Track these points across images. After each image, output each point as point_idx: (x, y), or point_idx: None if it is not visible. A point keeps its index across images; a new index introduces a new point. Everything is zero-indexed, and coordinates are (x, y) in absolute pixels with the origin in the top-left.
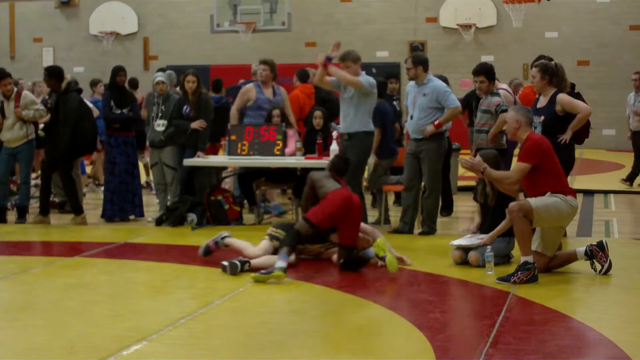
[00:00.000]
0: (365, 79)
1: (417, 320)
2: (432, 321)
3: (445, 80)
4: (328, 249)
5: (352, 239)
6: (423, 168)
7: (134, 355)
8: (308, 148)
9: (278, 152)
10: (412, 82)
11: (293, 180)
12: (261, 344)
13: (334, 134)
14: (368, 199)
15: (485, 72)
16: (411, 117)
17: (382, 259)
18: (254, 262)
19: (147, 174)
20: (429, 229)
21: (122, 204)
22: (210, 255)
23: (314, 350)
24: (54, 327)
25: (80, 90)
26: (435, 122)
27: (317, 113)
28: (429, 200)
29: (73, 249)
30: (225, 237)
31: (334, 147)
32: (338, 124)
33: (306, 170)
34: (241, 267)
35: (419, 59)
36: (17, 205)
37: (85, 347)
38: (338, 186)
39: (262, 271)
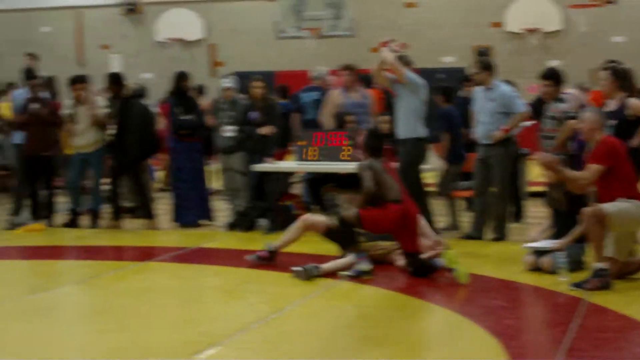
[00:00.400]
0: (412, 75)
1: (491, 326)
2: (506, 328)
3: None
4: (393, 252)
5: (414, 246)
6: (492, 174)
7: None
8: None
9: (347, 158)
10: (479, 88)
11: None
12: (333, 349)
13: None
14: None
15: (553, 76)
16: (479, 123)
17: (452, 270)
18: (324, 266)
19: (214, 181)
20: (500, 235)
21: (192, 210)
22: (278, 261)
23: (386, 356)
24: (128, 331)
25: (142, 96)
26: (504, 127)
27: (385, 118)
28: (499, 206)
29: (145, 254)
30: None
31: None
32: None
33: None
34: (312, 272)
35: (486, 64)
36: (90, 210)
37: (158, 352)
38: (396, 189)
39: (348, 273)
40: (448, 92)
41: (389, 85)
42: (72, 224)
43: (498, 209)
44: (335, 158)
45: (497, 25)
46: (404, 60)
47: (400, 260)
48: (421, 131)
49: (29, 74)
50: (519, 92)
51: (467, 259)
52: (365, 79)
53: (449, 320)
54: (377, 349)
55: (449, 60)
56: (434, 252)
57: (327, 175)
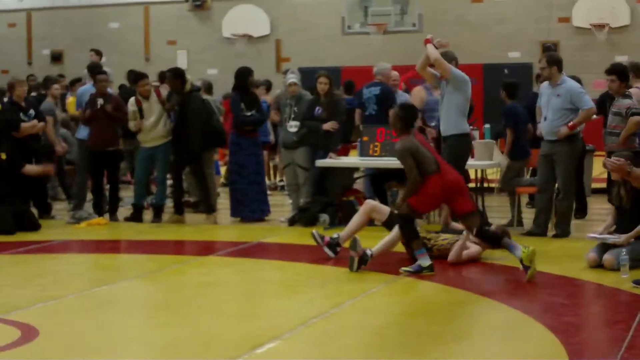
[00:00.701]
0: (457, 71)
1: (551, 323)
2: (566, 325)
3: (578, 81)
4: (454, 243)
5: (466, 206)
6: (557, 170)
7: (268, 353)
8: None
9: None
10: (545, 83)
11: None
12: (392, 345)
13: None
14: (499, 200)
15: (617, 72)
16: (545, 119)
17: (526, 268)
18: (375, 250)
19: (275, 176)
20: (563, 232)
21: (253, 205)
22: (340, 256)
23: (445, 352)
24: (189, 324)
25: (208, 92)
26: (570, 124)
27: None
28: (563, 202)
29: (207, 248)
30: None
31: None
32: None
33: None
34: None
35: (554, 59)
36: (153, 204)
37: (219, 345)
38: (432, 159)
39: (408, 269)
40: (512, 88)
41: (433, 81)
42: (134, 218)
43: (562, 206)
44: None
45: (565, 20)
46: (449, 56)
47: (472, 246)
48: (464, 127)
49: (94, 70)
50: (585, 88)
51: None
52: None
53: (508, 317)
54: (436, 345)
55: (515, 56)
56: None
57: (389, 171)
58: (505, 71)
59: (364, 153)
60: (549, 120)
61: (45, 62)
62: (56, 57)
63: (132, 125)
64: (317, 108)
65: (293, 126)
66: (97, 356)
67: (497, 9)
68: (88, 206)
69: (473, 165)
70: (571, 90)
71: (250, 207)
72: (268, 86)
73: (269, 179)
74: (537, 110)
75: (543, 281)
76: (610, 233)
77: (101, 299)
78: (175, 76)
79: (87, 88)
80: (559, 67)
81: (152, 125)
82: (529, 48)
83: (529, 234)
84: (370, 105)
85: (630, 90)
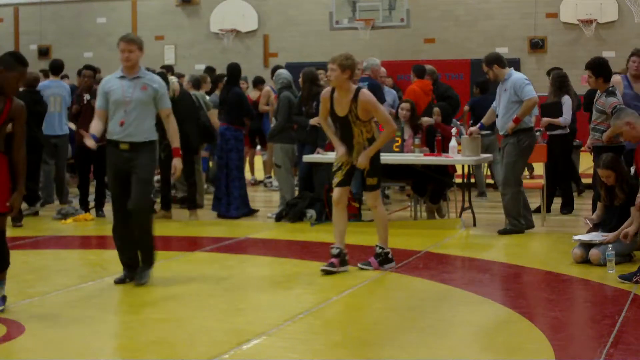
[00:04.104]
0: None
1: (537, 318)
2: (552, 320)
3: (564, 76)
4: None
5: None
6: (502, 163)
7: (254, 349)
8: (427, 145)
9: (397, 149)
10: (499, 84)
11: (412, 177)
12: (379, 340)
13: (453, 130)
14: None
15: (591, 66)
16: (497, 115)
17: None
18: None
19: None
20: (513, 227)
21: (237, 201)
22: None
23: (432, 347)
24: (175, 320)
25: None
26: (514, 117)
27: (436, 110)
28: (504, 197)
29: (193, 244)
30: None
31: (453, 144)
32: (458, 120)
33: (427, 167)
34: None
35: (490, 59)
36: None
37: (205, 341)
38: None
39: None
40: (483, 85)
41: None
42: None
43: (504, 201)
44: (386, 149)
45: (552, 16)
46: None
47: None
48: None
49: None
50: (573, 84)
51: (512, 249)
52: (418, 70)
53: (494, 312)
54: (422, 340)
55: (502, 51)
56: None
57: None
58: None
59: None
60: (500, 115)
61: (33, 57)
62: (44, 52)
63: None
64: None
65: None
66: (83, 353)
67: (484, 4)
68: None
69: (460, 160)
70: (514, 82)
71: (235, 207)
72: (259, 81)
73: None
74: (488, 111)
75: (529, 277)
76: (591, 229)
77: (87, 295)
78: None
79: (47, 84)
80: (499, 65)
81: None
82: (517, 44)
83: (505, 232)
84: None
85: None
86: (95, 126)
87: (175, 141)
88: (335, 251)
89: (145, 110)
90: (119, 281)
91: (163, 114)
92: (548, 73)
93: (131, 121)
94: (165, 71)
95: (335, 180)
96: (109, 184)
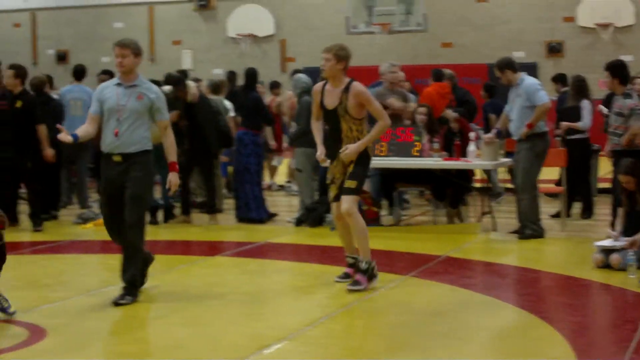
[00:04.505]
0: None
1: (558, 323)
2: (573, 325)
3: (583, 80)
4: None
5: None
6: (517, 169)
7: (275, 354)
8: (446, 149)
9: (416, 153)
10: (512, 88)
11: (431, 181)
12: (399, 345)
13: (472, 135)
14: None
15: (609, 68)
16: (510, 120)
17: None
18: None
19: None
20: (533, 232)
21: (254, 206)
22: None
23: (453, 352)
24: (196, 325)
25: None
26: (527, 122)
27: (450, 115)
28: (521, 202)
29: (214, 249)
30: None
31: (472, 149)
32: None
33: (446, 172)
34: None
35: (503, 64)
36: (162, 205)
37: (226, 345)
38: None
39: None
40: (492, 89)
41: None
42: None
43: (521, 206)
44: (405, 153)
45: (569, 20)
46: None
47: None
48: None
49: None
50: (591, 88)
51: (532, 254)
52: (436, 74)
53: (515, 318)
54: (443, 345)
55: (519, 56)
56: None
57: (396, 170)
58: None
59: (370, 153)
60: (514, 121)
61: (51, 62)
62: (61, 57)
63: None
64: None
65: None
66: (105, 356)
67: (501, 9)
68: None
69: (479, 165)
70: (527, 88)
71: (255, 209)
72: (275, 86)
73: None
74: (502, 116)
75: (550, 282)
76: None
77: (108, 299)
78: (182, 83)
79: (69, 88)
80: (511, 69)
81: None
82: (534, 48)
83: (525, 236)
84: None
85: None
86: (83, 128)
87: (171, 155)
88: (350, 260)
89: (139, 120)
90: (117, 302)
91: (161, 125)
92: (554, 79)
93: (123, 131)
94: (182, 75)
95: (330, 195)
96: (100, 203)
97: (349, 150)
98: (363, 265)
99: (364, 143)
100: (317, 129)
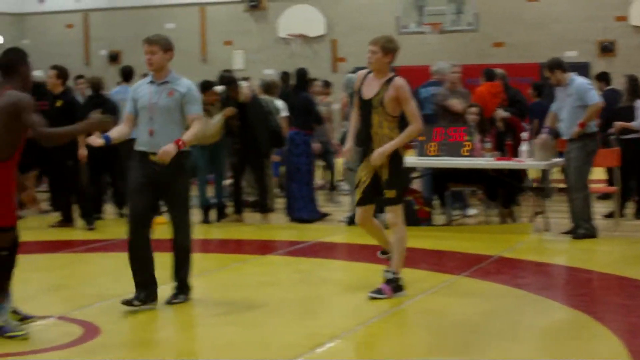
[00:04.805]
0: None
1: (612, 324)
2: (628, 325)
3: (636, 80)
4: None
5: None
6: (569, 169)
7: (327, 353)
8: (497, 149)
9: (467, 153)
10: (560, 88)
11: (483, 181)
12: (452, 345)
13: (525, 134)
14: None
15: None
16: (561, 120)
17: None
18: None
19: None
20: (586, 232)
21: (309, 205)
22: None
23: (506, 352)
24: (248, 323)
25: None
26: (579, 122)
27: (500, 115)
28: (574, 202)
29: (266, 248)
30: None
31: (525, 148)
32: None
33: (499, 172)
34: None
35: (553, 64)
36: (215, 204)
37: (279, 345)
38: None
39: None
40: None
41: None
42: (205, 220)
43: (574, 206)
44: (456, 153)
45: (622, 19)
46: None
47: None
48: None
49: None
50: None
51: (586, 254)
52: (487, 73)
53: (569, 318)
54: (496, 344)
55: (571, 55)
56: None
57: (447, 170)
58: None
59: (421, 153)
60: (565, 121)
61: (103, 63)
62: (114, 58)
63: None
64: None
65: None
66: (156, 355)
67: (553, 8)
68: None
69: (531, 165)
70: (578, 87)
71: (305, 208)
72: (326, 85)
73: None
74: (549, 115)
75: (603, 282)
76: None
77: (160, 297)
78: (234, 82)
79: (118, 90)
80: (561, 69)
81: (217, 124)
82: (586, 47)
83: (578, 236)
84: (427, 105)
85: None
86: (117, 129)
87: (187, 136)
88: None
89: (172, 118)
90: (127, 302)
91: (189, 119)
92: (597, 78)
93: (158, 129)
94: (230, 75)
95: (355, 198)
96: (128, 198)
97: (377, 153)
98: (390, 275)
99: (393, 146)
100: (354, 119)
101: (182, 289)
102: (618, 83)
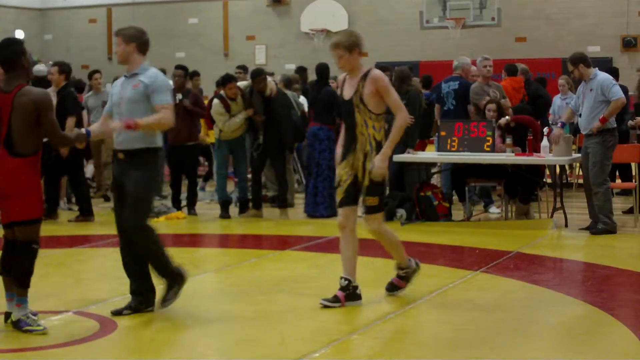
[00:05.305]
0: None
1: (630, 320)
2: None
3: None
4: None
5: None
6: (589, 164)
7: (343, 347)
8: (518, 144)
9: (488, 149)
10: (582, 82)
11: (503, 177)
12: (468, 340)
13: (545, 130)
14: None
15: None
16: (580, 115)
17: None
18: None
19: None
20: (605, 227)
21: (327, 201)
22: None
23: (522, 348)
24: (265, 318)
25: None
26: (601, 117)
27: (510, 112)
28: (595, 196)
29: (284, 243)
30: None
31: (545, 144)
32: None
33: (517, 167)
34: None
35: (576, 59)
36: (238, 200)
37: (295, 339)
38: None
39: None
40: None
41: None
42: (224, 215)
43: (595, 200)
44: (477, 149)
45: None
46: None
47: None
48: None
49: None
50: None
51: (605, 250)
52: (509, 68)
53: (586, 314)
54: (514, 341)
55: (594, 50)
56: None
57: (468, 166)
58: None
59: (441, 148)
60: (584, 115)
61: None
62: None
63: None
64: None
65: None
66: (174, 350)
67: (576, 2)
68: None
69: (551, 160)
70: (602, 82)
71: (324, 203)
72: None
73: None
74: (567, 110)
75: (622, 278)
76: None
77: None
78: (260, 74)
79: None
80: (585, 64)
81: (237, 127)
82: (609, 42)
83: (597, 232)
84: (448, 100)
85: None
86: (95, 125)
87: (143, 120)
88: (343, 282)
89: (136, 111)
90: (116, 313)
91: (155, 109)
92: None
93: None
94: (242, 71)
95: (337, 200)
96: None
97: (377, 164)
98: (402, 273)
99: (389, 148)
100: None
101: (167, 287)
102: None
